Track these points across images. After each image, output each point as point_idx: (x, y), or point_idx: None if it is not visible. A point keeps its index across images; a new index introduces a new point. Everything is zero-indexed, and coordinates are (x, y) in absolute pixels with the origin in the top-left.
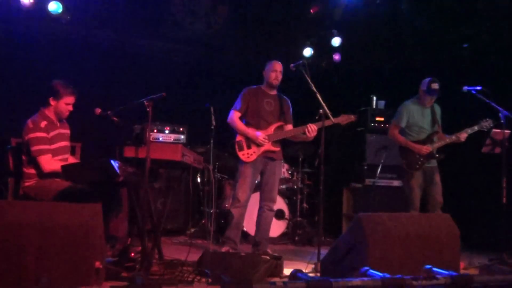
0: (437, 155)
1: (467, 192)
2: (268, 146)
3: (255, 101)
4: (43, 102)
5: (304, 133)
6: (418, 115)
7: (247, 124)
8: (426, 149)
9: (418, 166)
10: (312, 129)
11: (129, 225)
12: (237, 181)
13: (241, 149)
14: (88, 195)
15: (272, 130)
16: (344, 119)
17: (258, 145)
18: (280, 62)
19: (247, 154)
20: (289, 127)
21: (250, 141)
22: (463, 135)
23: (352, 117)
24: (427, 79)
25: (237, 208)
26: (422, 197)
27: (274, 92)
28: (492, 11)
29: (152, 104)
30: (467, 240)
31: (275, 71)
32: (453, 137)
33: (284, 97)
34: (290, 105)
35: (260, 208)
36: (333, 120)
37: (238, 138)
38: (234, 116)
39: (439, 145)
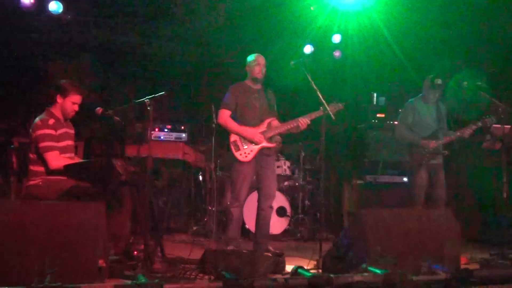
0: (443, 152)
1: (468, 187)
2: (263, 143)
3: (244, 97)
4: (44, 102)
5: (297, 126)
6: (424, 112)
7: (238, 122)
8: (433, 144)
9: (424, 162)
10: (303, 123)
11: (131, 224)
12: (235, 180)
13: (237, 149)
14: (92, 194)
15: (265, 126)
16: (332, 108)
17: (255, 143)
18: (262, 56)
19: (244, 154)
20: (276, 121)
21: (246, 140)
22: (467, 132)
23: (340, 105)
24: (430, 76)
25: (236, 208)
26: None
27: (259, 86)
28: (492, 5)
29: (153, 103)
30: (468, 235)
31: (259, 64)
32: (458, 133)
33: (269, 89)
34: (275, 97)
35: (259, 207)
36: (323, 112)
37: (233, 138)
38: (226, 116)
39: (445, 142)
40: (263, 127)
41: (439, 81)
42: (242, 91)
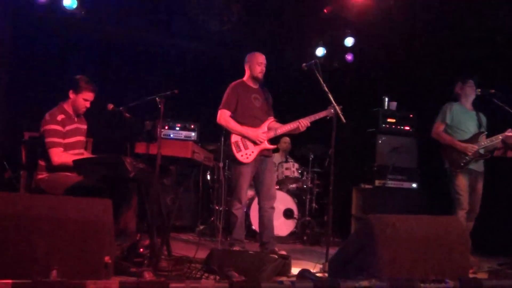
0: (484, 154)
1: None
2: (264, 144)
3: (244, 97)
4: (57, 96)
5: (297, 128)
6: (463, 116)
7: (238, 122)
8: (471, 147)
9: (462, 164)
10: (304, 124)
11: (138, 221)
12: (236, 182)
13: (238, 150)
14: (99, 190)
15: (266, 127)
16: (329, 112)
17: (255, 144)
18: (263, 54)
19: (245, 155)
20: (274, 121)
21: (247, 141)
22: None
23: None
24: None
25: (239, 210)
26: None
27: (257, 86)
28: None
29: (164, 100)
30: (477, 244)
31: (261, 64)
32: (499, 136)
33: (265, 88)
34: (271, 97)
35: (261, 208)
36: (322, 114)
37: (234, 138)
38: (226, 116)
39: (485, 145)
40: (264, 128)
41: (468, 77)
42: (242, 91)
